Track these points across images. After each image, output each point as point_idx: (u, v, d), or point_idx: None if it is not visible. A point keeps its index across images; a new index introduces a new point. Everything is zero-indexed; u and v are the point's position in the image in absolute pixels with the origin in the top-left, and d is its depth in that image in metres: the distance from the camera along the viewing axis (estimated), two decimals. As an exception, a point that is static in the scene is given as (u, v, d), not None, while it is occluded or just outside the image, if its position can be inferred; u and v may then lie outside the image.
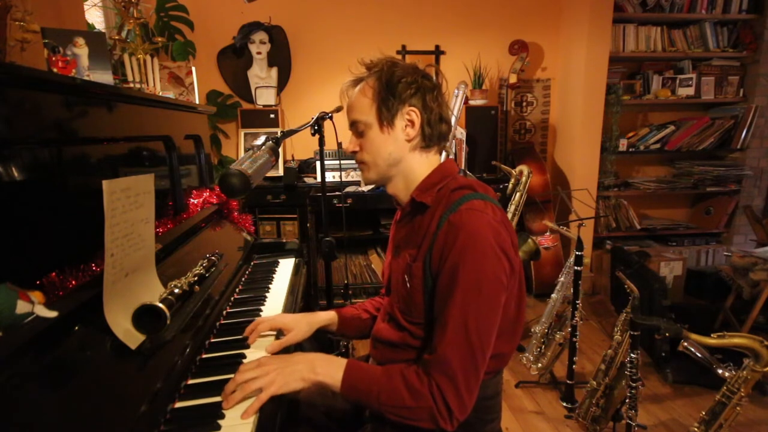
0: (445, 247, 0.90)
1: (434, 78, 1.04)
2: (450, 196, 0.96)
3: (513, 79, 3.30)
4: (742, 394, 1.44)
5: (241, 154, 3.02)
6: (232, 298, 1.36)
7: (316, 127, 1.51)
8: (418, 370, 0.90)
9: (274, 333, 1.13)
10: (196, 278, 1.10)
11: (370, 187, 2.97)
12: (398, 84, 0.97)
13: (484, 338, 0.88)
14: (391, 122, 0.98)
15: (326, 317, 1.20)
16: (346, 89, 1.04)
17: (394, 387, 0.88)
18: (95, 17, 2.51)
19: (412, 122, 0.98)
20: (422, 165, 1.02)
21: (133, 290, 0.93)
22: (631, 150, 3.48)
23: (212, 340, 1.11)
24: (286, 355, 0.96)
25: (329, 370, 0.91)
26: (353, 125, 1.03)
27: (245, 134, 3.16)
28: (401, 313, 1.01)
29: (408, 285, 0.98)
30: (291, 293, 1.44)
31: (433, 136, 1.00)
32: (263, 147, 1.24)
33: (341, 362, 0.93)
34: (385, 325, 1.07)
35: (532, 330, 2.37)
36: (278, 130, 3.09)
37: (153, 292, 0.99)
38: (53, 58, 1.22)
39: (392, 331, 1.04)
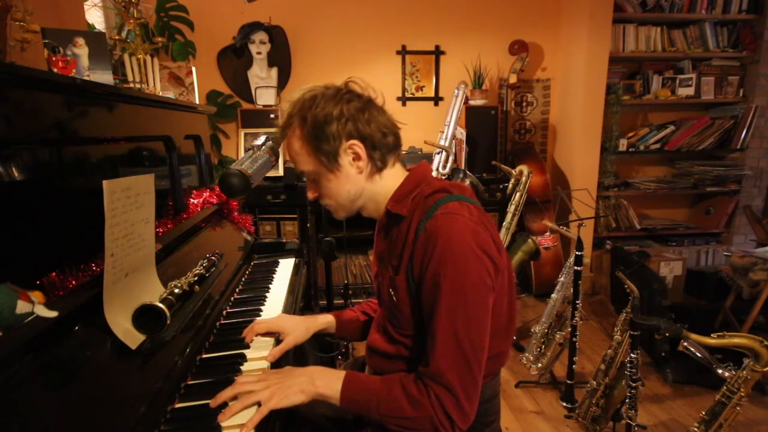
0: (425, 256, 0.88)
1: (360, 90, 0.97)
2: (425, 202, 0.94)
3: (513, 79, 3.30)
4: (742, 394, 1.44)
5: (241, 154, 3.01)
6: (232, 298, 1.36)
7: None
8: (417, 379, 0.89)
9: (274, 337, 1.13)
10: (196, 278, 1.10)
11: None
12: (325, 124, 0.91)
13: (477, 344, 0.87)
14: (336, 163, 0.94)
15: (324, 321, 1.20)
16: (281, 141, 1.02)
17: (394, 397, 0.87)
18: (95, 17, 2.51)
19: (357, 155, 0.94)
20: (387, 182, 0.99)
21: (133, 290, 0.93)
22: (631, 150, 3.48)
23: (212, 340, 1.11)
24: (286, 368, 0.96)
25: (328, 382, 0.91)
26: (303, 174, 1.00)
27: (245, 134, 3.16)
28: (392, 326, 1.01)
29: (394, 298, 0.97)
30: (291, 293, 1.44)
31: (383, 155, 0.96)
32: (263, 147, 1.24)
33: (340, 374, 0.93)
34: (379, 336, 1.06)
35: (532, 330, 2.37)
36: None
37: (153, 292, 0.99)
38: (53, 58, 1.22)
39: (386, 343, 1.03)
